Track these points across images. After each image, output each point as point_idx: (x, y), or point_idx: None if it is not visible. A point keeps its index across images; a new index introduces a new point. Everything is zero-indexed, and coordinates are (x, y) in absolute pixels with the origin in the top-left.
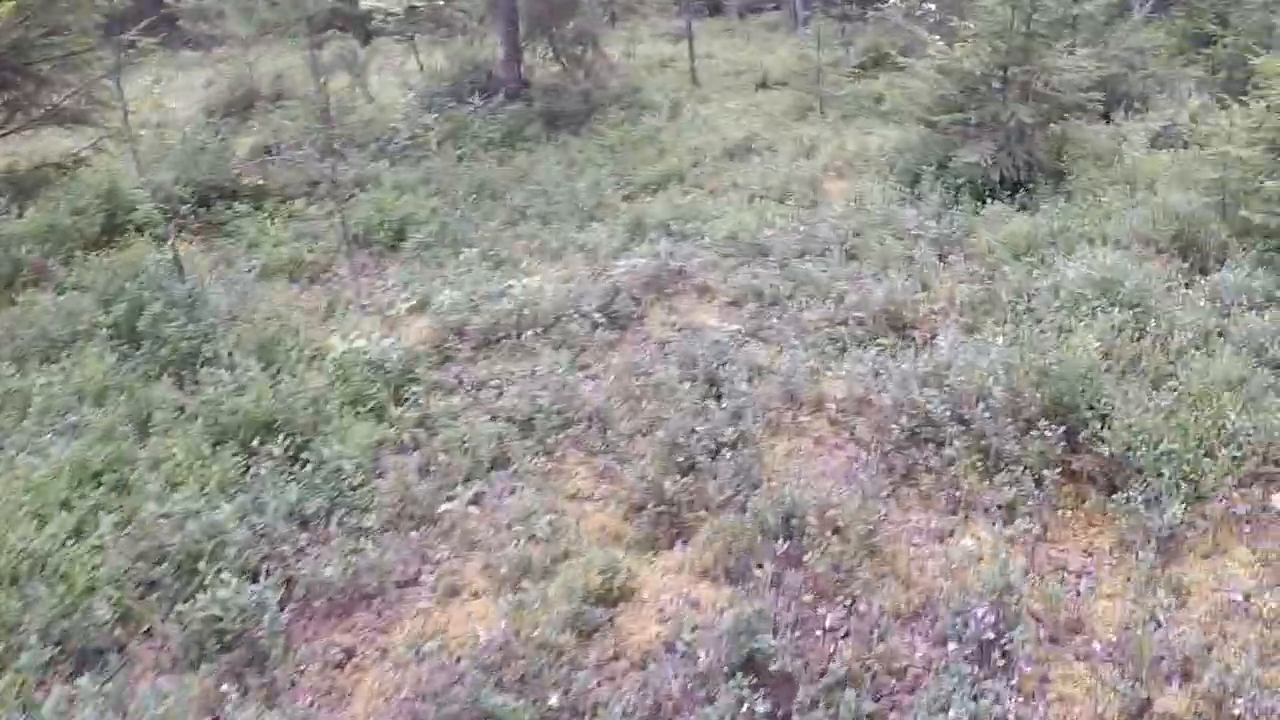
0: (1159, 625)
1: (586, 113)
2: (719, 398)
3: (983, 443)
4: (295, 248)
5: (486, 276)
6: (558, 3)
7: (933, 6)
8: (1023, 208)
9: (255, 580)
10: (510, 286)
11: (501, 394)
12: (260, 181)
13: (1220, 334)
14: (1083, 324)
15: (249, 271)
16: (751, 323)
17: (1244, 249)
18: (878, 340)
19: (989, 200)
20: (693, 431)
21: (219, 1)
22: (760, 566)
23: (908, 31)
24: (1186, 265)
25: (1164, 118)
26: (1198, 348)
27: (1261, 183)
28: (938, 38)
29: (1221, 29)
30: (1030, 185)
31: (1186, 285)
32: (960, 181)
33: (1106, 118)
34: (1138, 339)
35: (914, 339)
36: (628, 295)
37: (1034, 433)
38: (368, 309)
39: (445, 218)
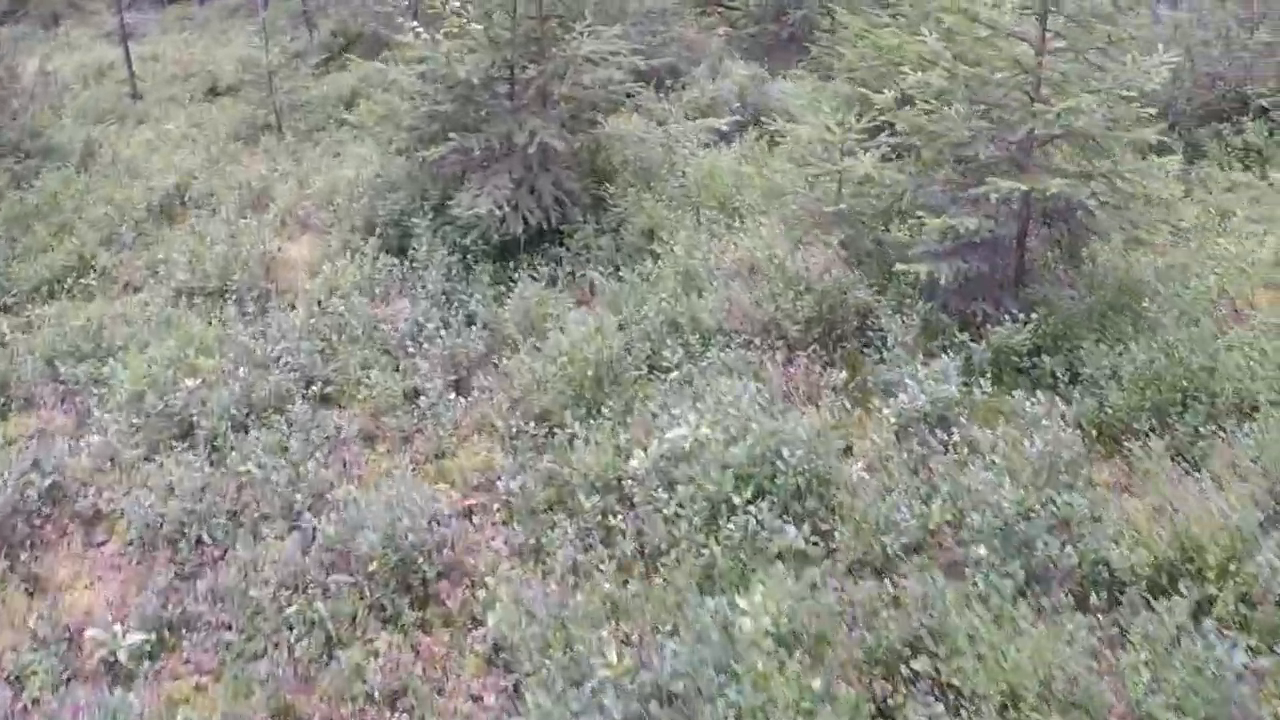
0: None
1: None
2: None
3: None
4: None
5: None
6: None
7: None
8: (568, 272)
9: None
10: None
11: None
12: None
13: (953, 524)
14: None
15: None
16: (171, 610)
17: (898, 312)
18: (391, 621)
19: (515, 267)
20: None
21: None
22: None
23: (378, 13)
24: (840, 371)
25: (707, 95)
26: (938, 573)
27: (909, 212)
28: (417, 25)
29: None
30: (565, 230)
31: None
32: (470, 240)
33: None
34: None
35: (448, 609)
36: None
37: None
38: None
39: None
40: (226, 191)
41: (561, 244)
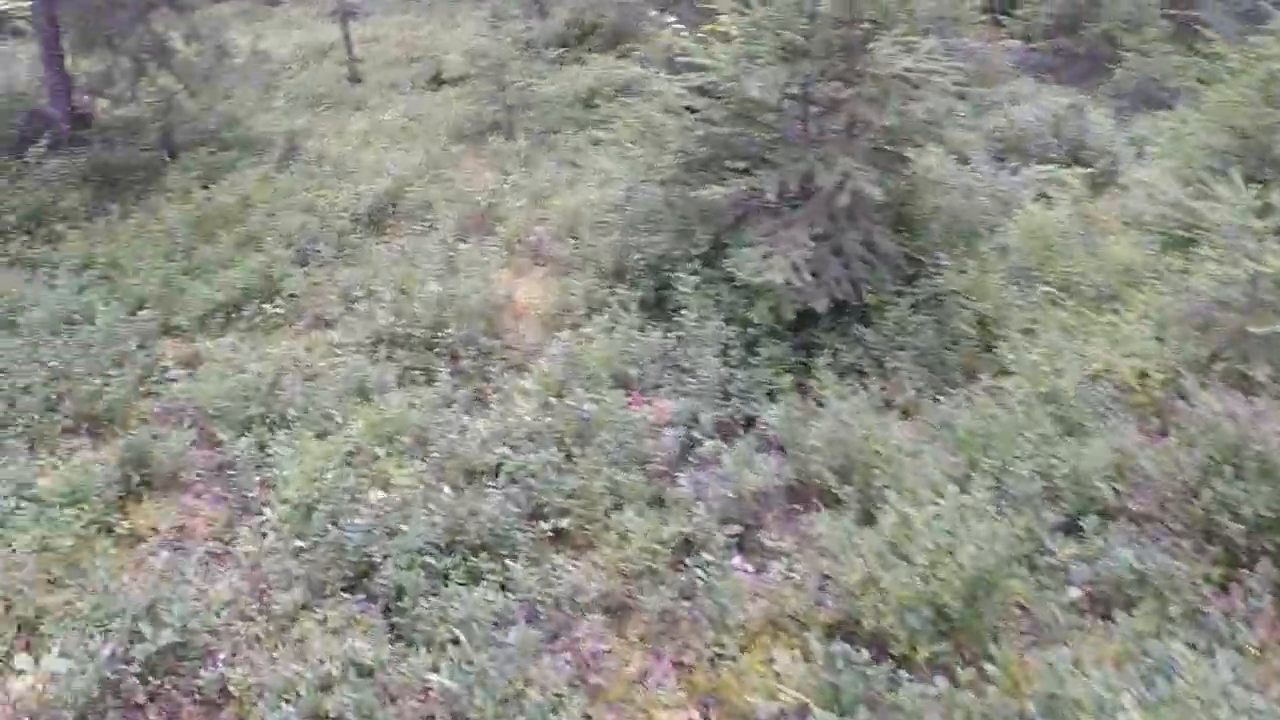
0: None
1: (165, 161)
2: None
3: None
4: None
5: None
6: None
7: None
8: (878, 364)
9: None
10: None
11: None
12: None
13: None
14: None
15: None
16: None
17: None
18: None
19: (810, 351)
20: None
21: None
22: None
23: (620, 4)
24: None
25: (1017, 125)
26: None
27: None
28: (674, 19)
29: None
30: (870, 301)
31: None
32: (755, 313)
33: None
34: None
35: None
36: None
37: None
38: None
39: None
40: (445, 204)
41: (866, 320)
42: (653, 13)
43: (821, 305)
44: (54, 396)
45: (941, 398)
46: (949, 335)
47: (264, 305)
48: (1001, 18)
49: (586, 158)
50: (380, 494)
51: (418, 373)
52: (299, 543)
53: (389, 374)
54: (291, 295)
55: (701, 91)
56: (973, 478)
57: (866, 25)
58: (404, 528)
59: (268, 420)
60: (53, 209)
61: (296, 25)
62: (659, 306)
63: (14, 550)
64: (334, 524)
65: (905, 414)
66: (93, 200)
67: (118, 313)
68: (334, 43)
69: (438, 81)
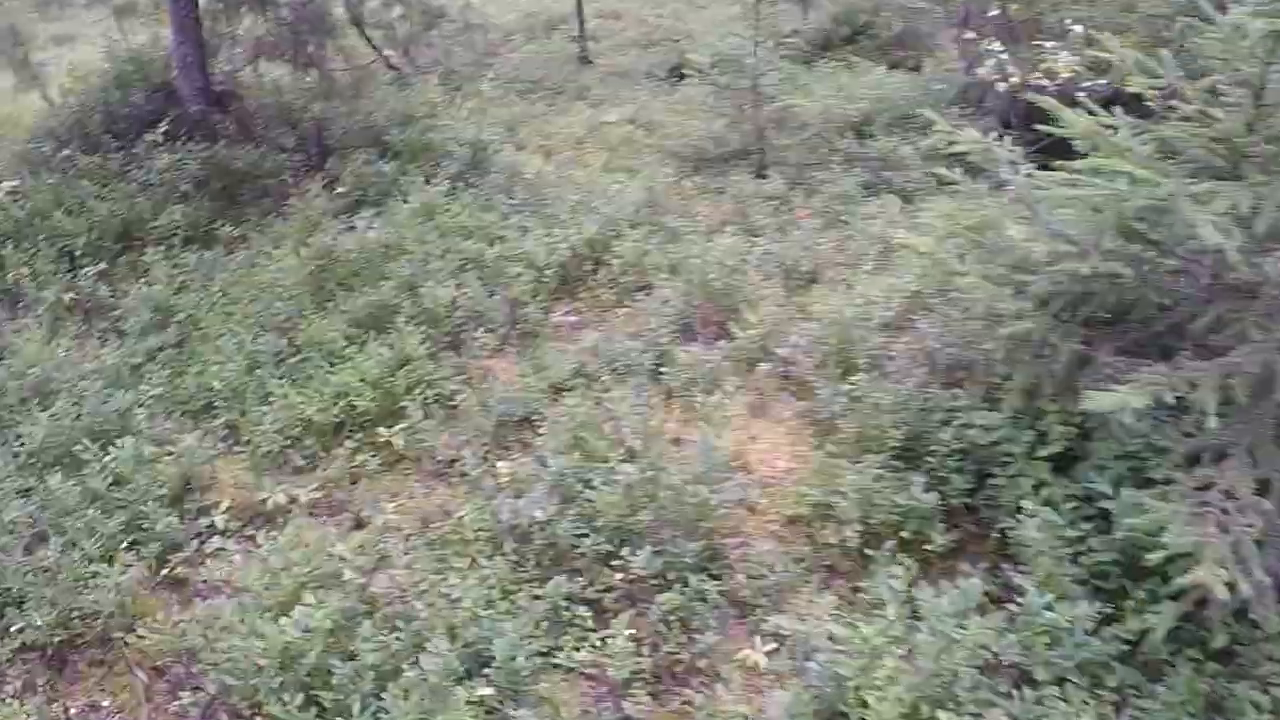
0: None
1: (306, 168)
2: None
3: None
4: None
5: None
6: None
7: None
8: None
9: None
10: None
11: None
12: None
13: None
14: None
15: None
16: None
17: None
18: None
19: (1217, 670)
20: None
21: None
22: None
23: (905, 8)
24: None
25: None
26: None
27: None
28: (997, 46)
29: None
30: None
31: None
32: (1152, 617)
33: None
34: None
35: None
36: None
37: None
38: None
39: None
40: (666, 273)
41: None
42: (967, 35)
43: (1273, 622)
44: (16, 591)
45: None
46: None
47: (378, 429)
48: None
49: (857, 210)
50: None
51: (581, 614)
52: None
53: (524, 641)
54: (418, 418)
55: (1092, 207)
56: None
57: None
58: None
59: (313, 705)
60: (150, 225)
61: None
62: (971, 515)
63: None
64: None
65: None
66: (205, 216)
67: (159, 427)
68: (568, 14)
69: (678, 74)
